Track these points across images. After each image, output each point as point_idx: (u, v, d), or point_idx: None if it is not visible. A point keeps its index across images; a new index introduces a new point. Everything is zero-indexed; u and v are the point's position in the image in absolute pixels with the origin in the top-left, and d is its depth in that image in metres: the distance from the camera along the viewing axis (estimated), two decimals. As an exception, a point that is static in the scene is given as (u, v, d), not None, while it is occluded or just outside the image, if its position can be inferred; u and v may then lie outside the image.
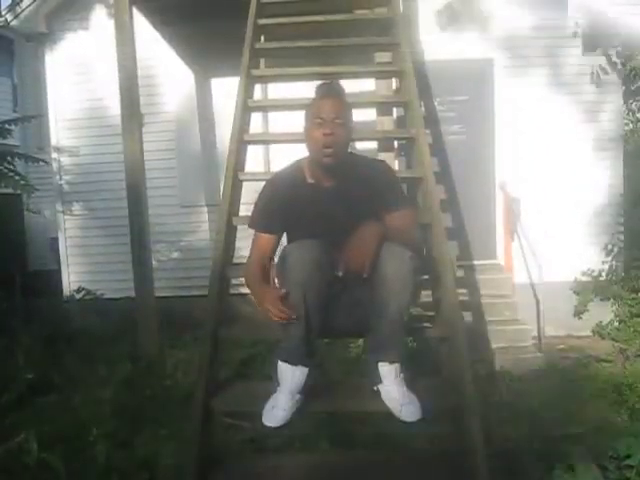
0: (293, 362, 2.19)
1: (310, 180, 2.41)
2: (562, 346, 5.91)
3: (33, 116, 6.81)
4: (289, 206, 2.39)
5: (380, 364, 2.22)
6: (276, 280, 2.25)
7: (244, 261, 2.49)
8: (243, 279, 2.42)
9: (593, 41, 6.26)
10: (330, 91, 2.38)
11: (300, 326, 2.15)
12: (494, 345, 5.25)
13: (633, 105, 8.46)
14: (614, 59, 6.34)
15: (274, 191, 2.44)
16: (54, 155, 6.92)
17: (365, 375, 2.34)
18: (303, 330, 2.16)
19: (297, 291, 2.12)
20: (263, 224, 2.44)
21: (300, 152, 2.55)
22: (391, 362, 2.21)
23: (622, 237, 6.47)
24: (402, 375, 2.24)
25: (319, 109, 2.30)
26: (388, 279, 2.12)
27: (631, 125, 7.52)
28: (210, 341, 2.56)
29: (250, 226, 2.49)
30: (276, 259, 2.31)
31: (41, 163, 6.35)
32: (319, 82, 2.48)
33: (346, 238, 2.15)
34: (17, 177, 5.93)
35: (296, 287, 2.12)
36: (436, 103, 6.24)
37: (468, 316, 5.28)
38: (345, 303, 2.30)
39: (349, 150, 2.42)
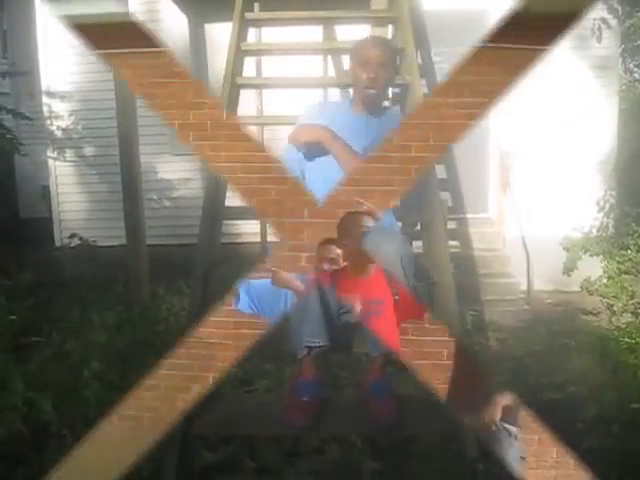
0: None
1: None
2: (550, 300, 5.98)
3: (23, 72, 6.73)
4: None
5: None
6: None
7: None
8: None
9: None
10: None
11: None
12: (483, 297, 5.30)
13: (631, 65, 8.38)
14: (615, 5, 6.21)
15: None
16: (45, 100, 6.81)
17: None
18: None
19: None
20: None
21: (293, 98, 2.55)
22: None
23: (614, 194, 6.48)
24: None
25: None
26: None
27: (629, 83, 7.46)
28: (201, 279, 2.56)
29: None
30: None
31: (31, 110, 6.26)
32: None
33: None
34: (3, 131, 5.91)
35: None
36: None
37: (459, 268, 5.31)
38: None
39: None
